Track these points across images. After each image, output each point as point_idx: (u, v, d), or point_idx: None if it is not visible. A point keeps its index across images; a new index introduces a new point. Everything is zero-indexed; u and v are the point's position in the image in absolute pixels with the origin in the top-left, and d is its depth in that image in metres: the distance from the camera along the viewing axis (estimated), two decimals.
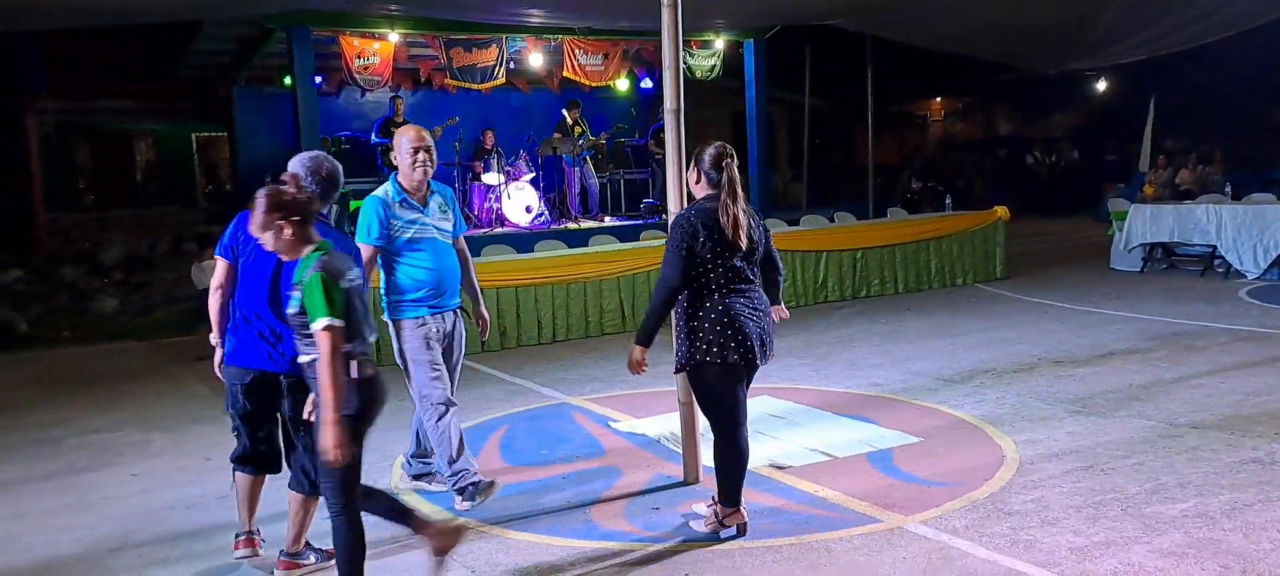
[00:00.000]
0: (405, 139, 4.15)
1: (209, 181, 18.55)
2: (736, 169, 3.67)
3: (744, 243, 3.61)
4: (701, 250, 3.59)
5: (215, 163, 18.79)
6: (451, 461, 4.15)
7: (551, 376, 6.91)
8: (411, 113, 12.75)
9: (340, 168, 3.59)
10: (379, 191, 4.15)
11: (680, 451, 4.51)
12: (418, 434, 4.41)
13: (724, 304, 3.61)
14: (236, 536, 3.76)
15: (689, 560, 3.57)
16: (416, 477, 4.49)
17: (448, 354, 4.25)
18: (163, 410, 6.39)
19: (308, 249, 3.03)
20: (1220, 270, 10.14)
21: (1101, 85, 20.21)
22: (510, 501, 4.28)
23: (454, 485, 4.18)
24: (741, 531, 3.75)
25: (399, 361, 4.19)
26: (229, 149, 15.73)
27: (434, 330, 4.15)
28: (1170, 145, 16.17)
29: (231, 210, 4.15)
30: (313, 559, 3.61)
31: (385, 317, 4.21)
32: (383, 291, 4.20)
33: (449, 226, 4.26)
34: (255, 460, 3.66)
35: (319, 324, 2.87)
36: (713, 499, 3.84)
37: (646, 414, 5.64)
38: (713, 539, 3.74)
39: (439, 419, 4.12)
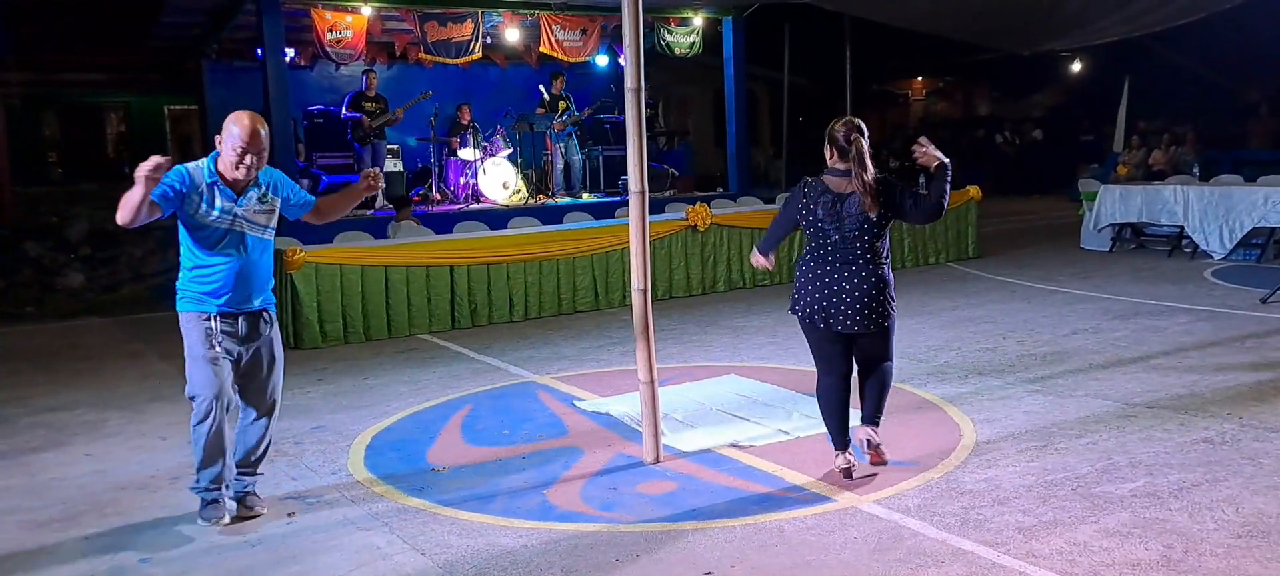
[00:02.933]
0: (234, 131, 3.71)
1: (182, 154, 18.31)
2: (856, 143, 4.08)
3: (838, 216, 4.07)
4: (795, 213, 4.15)
5: (188, 135, 18.54)
6: (198, 468, 3.83)
7: (520, 354, 6.90)
8: (386, 87, 12.61)
9: None
10: (192, 165, 3.77)
11: (641, 431, 4.51)
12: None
13: (805, 264, 4.12)
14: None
15: (643, 541, 3.58)
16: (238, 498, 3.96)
17: (254, 364, 3.88)
18: (123, 388, 6.33)
19: None
20: (1187, 250, 10.23)
21: (1078, 66, 20.28)
22: (467, 482, 4.28)
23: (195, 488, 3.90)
24: (845, 474, 4.07)
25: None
26: (200, 122, 15.51)
27: (218, 329, 3.76)
28: (1144, 126, 16.27)
29: None
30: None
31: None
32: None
33: (268, 221, 3.87)
34: None
35: None
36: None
37: (613, 392, 5.65)
38: (670, 520, 3.75)
39: (200, 421, 3.77)
